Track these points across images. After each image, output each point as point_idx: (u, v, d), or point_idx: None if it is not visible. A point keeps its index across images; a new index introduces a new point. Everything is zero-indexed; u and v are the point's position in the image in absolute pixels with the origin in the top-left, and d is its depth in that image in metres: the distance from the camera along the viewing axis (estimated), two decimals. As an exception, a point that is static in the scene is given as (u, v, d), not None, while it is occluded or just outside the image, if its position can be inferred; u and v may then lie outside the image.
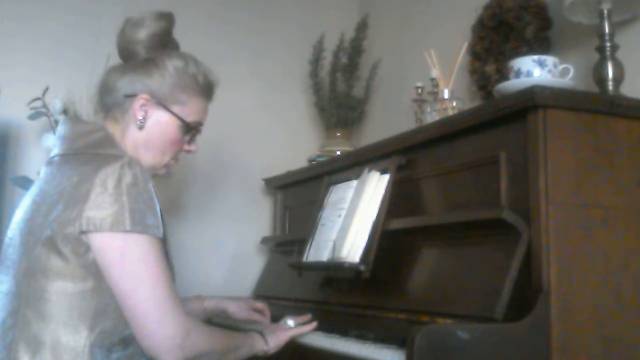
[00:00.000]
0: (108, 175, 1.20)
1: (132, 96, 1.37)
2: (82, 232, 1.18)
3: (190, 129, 1.43)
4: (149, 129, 1.38)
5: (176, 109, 1.40)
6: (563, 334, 1.28)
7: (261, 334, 1.46)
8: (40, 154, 2.29)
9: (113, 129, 1.38)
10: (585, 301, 1.32)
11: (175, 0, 2.05)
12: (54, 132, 2.19)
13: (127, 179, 1.20)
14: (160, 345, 1.19)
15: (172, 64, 1.40)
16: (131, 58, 1.41)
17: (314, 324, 1.58)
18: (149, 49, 1.40)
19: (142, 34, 1.40)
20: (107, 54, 2.14)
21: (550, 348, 1.27)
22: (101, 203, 1.18)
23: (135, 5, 2.39)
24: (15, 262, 1.26)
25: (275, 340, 1.47)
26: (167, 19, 1.44)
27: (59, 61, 2.37)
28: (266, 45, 2.79)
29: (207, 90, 1.46)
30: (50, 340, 1.18)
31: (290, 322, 1.57)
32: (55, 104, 2.19)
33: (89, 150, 1.31)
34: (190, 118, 1.42)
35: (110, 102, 1.40)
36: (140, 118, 1.37)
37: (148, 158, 1.39)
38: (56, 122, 2.19)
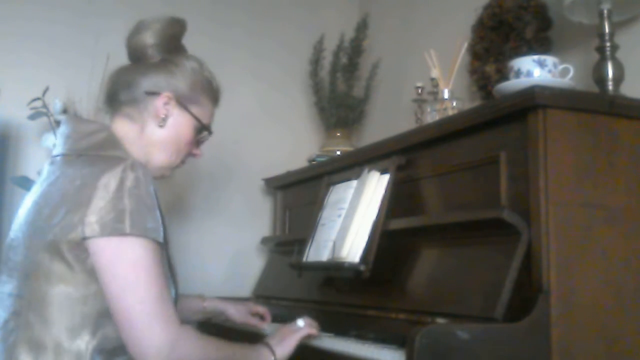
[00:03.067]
0: (110, 179, 1.19)
1: (155, 94, 1.37)
2: (85, 238, 1.17)
3: (204, 131, 1.45)
4: (168, 128, 1.39)
5: (194, 109, 1.41)
6: (563, 334, 1.28)
7: (268, 345, 1.39)
8: (40, 154, 2.29)
9: (124, 126, 1.37)
10: (585, 301, 1.32)
11: (175, 0, 2.06)
12: (54, 132, 2.19)
13: (129, 181, 1.20)
14: (147, 354, 1.16)
15: (189, 65, 1.42)
16: (141, 60, 1.41)
17: (318, 332, 1.52)
18: (159, 52, 1.40)
19: (155, 37, 1.40)
20: (107, 54, 2.15)
21: (550, 348, 1.27)
22: (103, 208, 1.17)
23: (135, 5, 2.41)
24: (18, 264, 1.26)
25: (282, 349, 1.40)
26: (180, 24, 1.44)
27: (59, 61, 2.37)
28: (266, 46, 2.79)
29: (217, 94, 1.48)
30: (52, 344, 1.18)
31: (300, 322, 1.51)
32: (55, 104, 2.19)
33: (92, 152, 1.30)
34: (205, 120, 1.44)
35: (126, 98, 1.38)
36: (163, 116, 1.37)
37: (162, 158, 1.40)
38: (56, 122, 2.19)
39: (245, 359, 1.34)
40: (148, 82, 1.38)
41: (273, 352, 1.38)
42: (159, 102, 1.37)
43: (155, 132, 1.38)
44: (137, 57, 1.42)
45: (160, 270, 1.22)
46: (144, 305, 1.17)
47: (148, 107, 1.37)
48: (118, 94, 1.40)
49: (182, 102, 1.40)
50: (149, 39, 1.40)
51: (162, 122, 1.38)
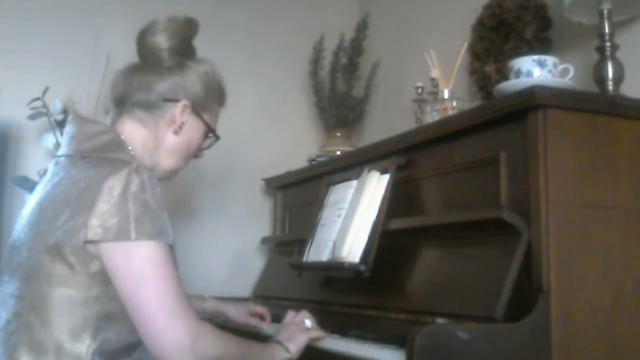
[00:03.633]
0: (115, 183, 1.18)
1: (174, 101, 1.36)
2: (88, 242, 1.17)
3: (212, 136, 1.45)
4: (181, 135, 1.38)
5: (206, 116, 1.42)
6: (563, 334, 1.28)
7: (279, 342, 1.40)
8: (40, 154, 2.29)
9: (133, 128, 1.35)
10: (585, 301, 1.32)
11: (174, 0, 2.05)
12: (54, 132, 2.19)
13: (134, 186, 1.19)
14: (169, 348, 1.15)
15: (203, 69, 1.41)
16: (155, 62, 1.38)
17: (326, 334, 1.53)
18: (174, 55, 1.39)
19: (171, 40, 1.37)
20: (107, 54, 2.15)
21: (550, 348, 1.27)
22: (106, 211, 1.16)
23: (135, 4, 2.41)
24: (20, 266, 1.25)
25: (295, 345, 1.41)
26: (194, 25, 1.43)
27: (59, 61, 2.37)
28: (266, 45, 2.79)
29: (225, 98, 1.49)
30: (53, 346, 1.17)
31: (308, 322, 1.51)
32: (55, 104, 2.19)
33: (96, 154, 1.28)
34: (214, 125, 1.45)
35: (139, 100, 1.36)
36: (180, 124, 1.37)
37: (171, 162, 1.40)
38: (56, 122, 2.19)
39: (262, 355, 1.34)
40: (165, 87, 1.36)
41: (287, 349, 1.39)
42: (176, 110, 1.36)
43: (168, 138, 1.38)
44: (150, 59, 1.39)
45: (173, 269, 1.21)
46: (161, 301, 1.16)
47: (165, 113, 1.36)
48: (130, 95, 1.37)
49: (197, 109, 1.40)
50: (164, 42, 1.37)
51: (178, 130, 1.37)
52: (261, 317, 1.81)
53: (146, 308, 1.16)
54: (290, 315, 1.55)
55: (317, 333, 1.49)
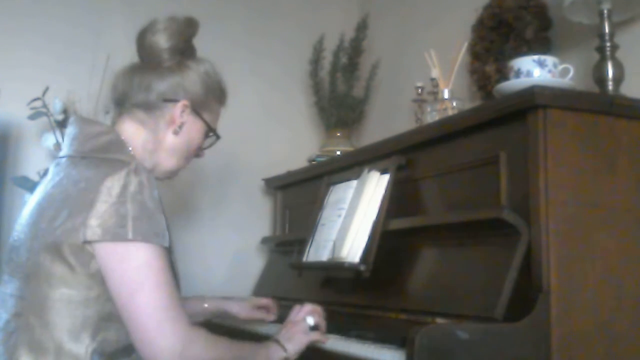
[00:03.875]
0: (114, 183, 1.18)
1: (173, 101, 1.36)
2: (86, 242, 1.17)
3: (212, 136, 1.45)
4: (181, 135, 1.38)
5: (206, 115, 1.42)
6: (563, 334, 1.28)
7: (277, 342, 1.39)
8: (40, 154, 2.29)
9: (132, 128, 1.35)
10: (585, 301, 1.32)
11: None
12: (54, 132, 2.19)
13: (132, 186, 1.19)
14: (160, 355, 1.15)
15: (203, 69, 1.41)
16: (154, 62, 1.38)
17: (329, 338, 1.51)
18: (174, 55, 1.38)
19: (171, 40, 1.37)
20: (107, 54, 2.15)
21: (550, 348, 1.27)
22: (105, 212, 1.17)
23: (136, 4, 2.41)
24: (20, 265, 1.25)
25: (294, 345, 1.39)
26: (194, 25, 1.43)
27: (59, 61, 2.37)
28: (266, 45, 2.79)
29: (225, 97, 1.49)
30: (53, 347, 1.17)
31: (310, 320, 1.49)
32: (55, 104, 2.19)
33: (96, 155, 1.28)
34: (214, 125, 1.45)
35: (139, 101, 1.36)
36: (179, 125, 1.37)
37: (171, 162, 1.40)
38: (56, 122, 2.19)
39: (257, 356, 1.33)
40: (165, 87, 1.36)
41: (284, 348, 1.38)
42: (176, 110, 1.36)
43: (168, 138, 1.38)
44: (150, 59, 1.38)
45: (168, 274, 1.21)
46: (154, 308, 1.16)
47: (164, 113, 1.36)
48: (131, 96, 1.37)
49: (196, 109, 1.39)
50: (164, 42, 1.37)
51: (177, 130, 1.37)
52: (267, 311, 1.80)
53: (139, 314, 1.16)
54: (294, 312, 1.51)
55: (319, 336, 1.47)
